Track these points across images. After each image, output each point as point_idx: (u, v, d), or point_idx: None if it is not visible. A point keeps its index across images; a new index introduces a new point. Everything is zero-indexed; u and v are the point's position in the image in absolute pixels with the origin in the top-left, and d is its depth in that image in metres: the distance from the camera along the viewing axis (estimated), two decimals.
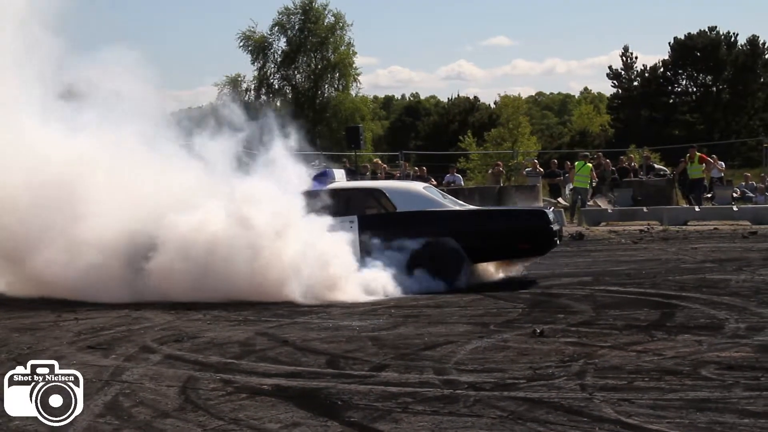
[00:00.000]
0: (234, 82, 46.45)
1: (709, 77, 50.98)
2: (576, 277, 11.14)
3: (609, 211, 21.28)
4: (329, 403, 5.28)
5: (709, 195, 22.79)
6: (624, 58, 53.41)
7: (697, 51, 50.51)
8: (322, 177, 11.29)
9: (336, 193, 10.95)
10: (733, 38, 50.75)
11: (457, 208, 11.24)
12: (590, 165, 22.08)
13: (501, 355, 6.45)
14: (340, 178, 11.61)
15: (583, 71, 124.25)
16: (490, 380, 5.67)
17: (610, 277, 11.05)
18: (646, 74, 52.53)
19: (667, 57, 52.07)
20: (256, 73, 46.81)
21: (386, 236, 10.36)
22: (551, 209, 12.19)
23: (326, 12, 46.13)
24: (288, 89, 47.20)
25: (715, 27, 51.28)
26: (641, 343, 6.70)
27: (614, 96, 54.81)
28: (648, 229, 18.89)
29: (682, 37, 51.55)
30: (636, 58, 53.35)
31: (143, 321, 8.59)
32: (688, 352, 6.32)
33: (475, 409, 5.04)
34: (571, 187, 22.46)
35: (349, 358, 6.56)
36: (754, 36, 50.62)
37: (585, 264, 12.79)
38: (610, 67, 54.01)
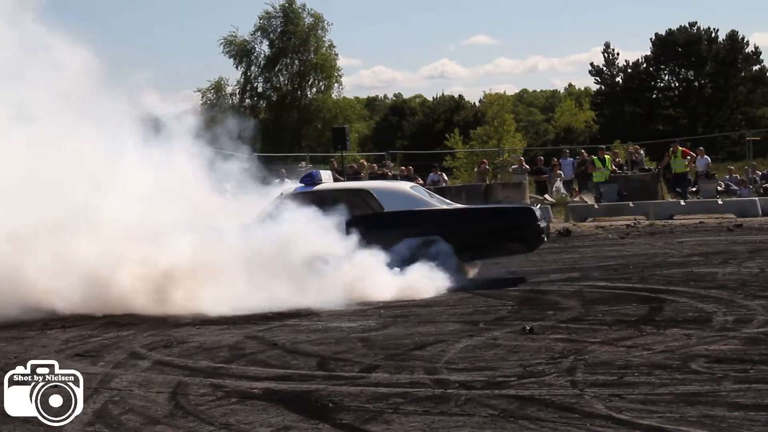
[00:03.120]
0: (217, 87, 46.33)
1: (690, 72, 51.27)
2: (564, 274, 11.17)
3: (595, 206, 21.35)
4: (320, 406, 5.26)
5: (693, 189, 22.91)
6: (606, 54, 53.65)
7: (679, 46, 50.78)
8: (308, 178, 11.27)
9: (323, 195, 10.93)
10: (713, 33, 51.07)
11: (445, 206, 11.25)
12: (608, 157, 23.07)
13: (491, 353, 6.45)
14: (327, 180, 11.59)
15: (565, 68, 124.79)
16: (480, 379, 5.66)
17: (597, 272, 11.08)
18: (629, 70, 52.77)
19: (648, 53, 52.38)
20: (241, 78, 46.75)
21: (374, 236, 10.34)
22: (538, 206, 12.22)
23: (304, 13, 46.11)
24: (272, 92, 47.11)
25: (696, 22, 51.67)
26: (630, 338, 6.71)
27: (597, 92, 55.02)
28: (634, 223, 18.97)
29: (663, 33, 51.85)
30: (617, 54, 53.64)
31: (131, 327, 8.53)
32: (677, 346, 6.35)
33: (467, 408, 5.03)
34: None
35: (340, 360, 6.54)
36: (733, 31, 51.02)
37: (572, 260, 12.83)
38: (592, 64, 54.27)
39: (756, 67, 51.16)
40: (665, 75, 52.63)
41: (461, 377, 5.74)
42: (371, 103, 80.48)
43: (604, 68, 53.65)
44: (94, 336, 8.13)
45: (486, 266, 11.58)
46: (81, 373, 6.30)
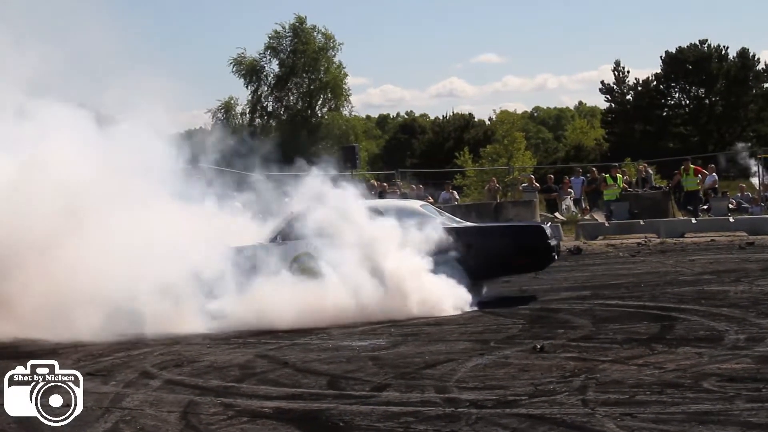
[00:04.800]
0: (227, 106, 46.56)
1: (701, 90, 51.22)
2: (575, 292, 11.14)
3: (606, 224, 21.29)
4: (331, 425, 5.26)
5: (705, 207, 22.81)
6: (616, 72, 53.67)
7: (689, 64, 50.78)
8: None
9: None
10: (724, 51, 51.05)
11: (455, 225, 11.25)
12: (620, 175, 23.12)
13: (502, 372, 6.43)
14: None
15: (575, 86, 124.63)
16: (491, 397, 5.65)
17: (608, 290, 11.05)
18: (639, 88, 52.77)
19: (659, 70, 52.38)
20: (249, 97, 47.01)
21: None
22: (548, 224, 12.20)
23: (316, 33, 46.39)
24: (282, 111, 47.35)
25: (706, 40, 51.64)
26: (642, 357, 6.69)
27: (608, 110, 55.02)
28: (645, 241, 18.90)
29: (673, 51, 51.88)
30: (628, 72, 53.66)
31: (142, 346, 8.56)
32: (689, 364, 6.32)
33: (477, 427, 5.02)
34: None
35: (350, 379, 6.54)
36: (744, 48, 51.00)
37: (583, 278, 12.79)
38: (602, 82, 54.32)
39: (767, 85, 51.07)
40: (676, 93, 52.59)
41: (472, 396, 5.73)
42: (383, 121, 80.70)
43: (615, 86, 53.68)
44: (105, 355, 8.16)
45: (496, 285, 11.56)
46: (92, 392, 6.36)
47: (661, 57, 52.32)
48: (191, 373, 7.10)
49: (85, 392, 6.30)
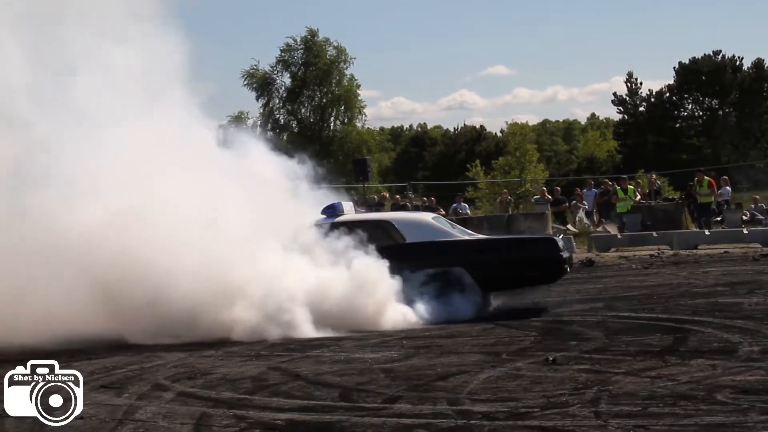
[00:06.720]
0: (238, 120, 46.75)
1: (715, 101, 51.10)
2: (587, 304, 11.11)
3: (618, 236, 21.23)
4: None
5: (718, 218, 22.71)
6: (629, 83, 53.65)
7: (703, 75, 50.69)
8: (330, 209, 11.33)
9: (345, 226, 10.98)
10: (738, 62, 50.92)
11: (467, 237, 11.26)
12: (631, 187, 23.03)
13: (514, 384, 6.42)
14: (349, 211, 11.65)
15: (585, 98, 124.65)
16: (503, 410, 5.64)
17: (621, 302, 11.01)
18: (652, 99, 52.70)
19: (672, 82, 52.30)
20: (261, 109, 47.21)
21: (396, 267, 10.35)
22: (560, 236, 12.18)
23: (327, 46, 46.58)
24: (294, 124, 47.52)
25: (720, 51, 51.57)
26: (655, 369, 6.66)
27: (620, 122, 54.96)
28: (658, 253, 18.83)
29: (687, 62, 51.80)
30: (641, 83, 53.61)
31: (155, 359, 8.59)
32: (703, 376, 6.29)
33: None
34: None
35: (362, 391, 6.54)
36: (759, 59, 50.87)
37: (596, 290, 12.75)
38: (615, 94, 54.30)
39: None
40: (689, 104, 52.51)
41: (484, 408, 5.72)
42: (396, 133, 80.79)
43: (627, 98, 53.64)
44: (118, 368, 8.18)
45: (508, 297, 11.54)
46: (105, 404, 6.39)
47: (674, 68, 52.38)
48: (204, 385, 7.11)
49: (99, 404, 6.38)
